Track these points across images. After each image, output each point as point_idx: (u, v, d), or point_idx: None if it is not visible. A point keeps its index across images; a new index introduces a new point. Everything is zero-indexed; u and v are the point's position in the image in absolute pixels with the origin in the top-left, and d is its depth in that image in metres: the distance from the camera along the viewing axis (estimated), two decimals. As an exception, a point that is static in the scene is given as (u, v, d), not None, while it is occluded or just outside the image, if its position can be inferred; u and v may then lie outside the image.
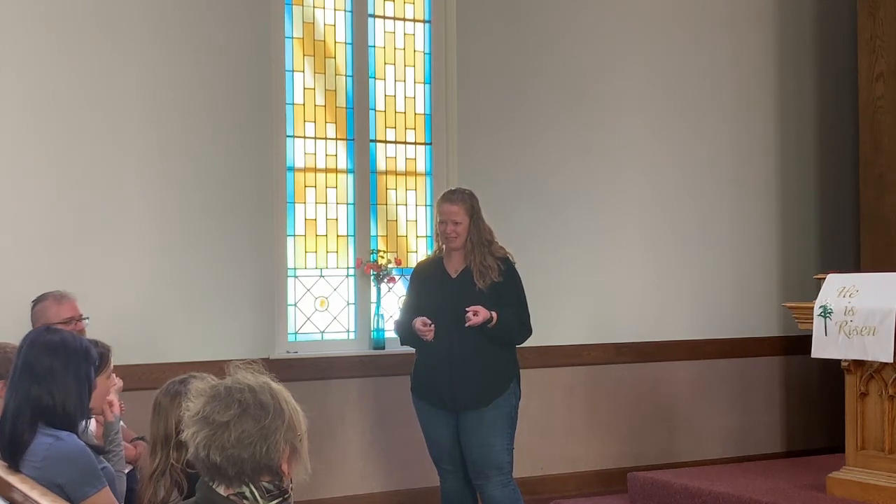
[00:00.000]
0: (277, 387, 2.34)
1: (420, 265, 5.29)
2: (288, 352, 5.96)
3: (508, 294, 4.92)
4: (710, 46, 7.25)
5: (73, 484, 3.08)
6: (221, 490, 2.26)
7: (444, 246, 5.04)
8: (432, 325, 4.88)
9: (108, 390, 3.60)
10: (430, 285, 5.05)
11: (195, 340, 5.62)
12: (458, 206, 4.95)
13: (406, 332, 5.04)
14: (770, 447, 7.30)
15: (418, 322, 4.90)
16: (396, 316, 5.42)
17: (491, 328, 4.82)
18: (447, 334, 4.89)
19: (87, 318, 4.56)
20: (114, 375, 3.70)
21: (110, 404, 3.71)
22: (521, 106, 6.60)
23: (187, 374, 3.21)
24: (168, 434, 3.13)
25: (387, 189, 6.39)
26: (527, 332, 5.01)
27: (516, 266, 5.04)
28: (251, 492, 2.24)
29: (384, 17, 6.41)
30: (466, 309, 4.79)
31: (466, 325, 4.78)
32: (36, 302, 4.60)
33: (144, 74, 5.56)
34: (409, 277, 5.39)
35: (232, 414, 2.23)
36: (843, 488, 4.93)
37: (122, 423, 3.86)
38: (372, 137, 6.32)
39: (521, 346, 5.08)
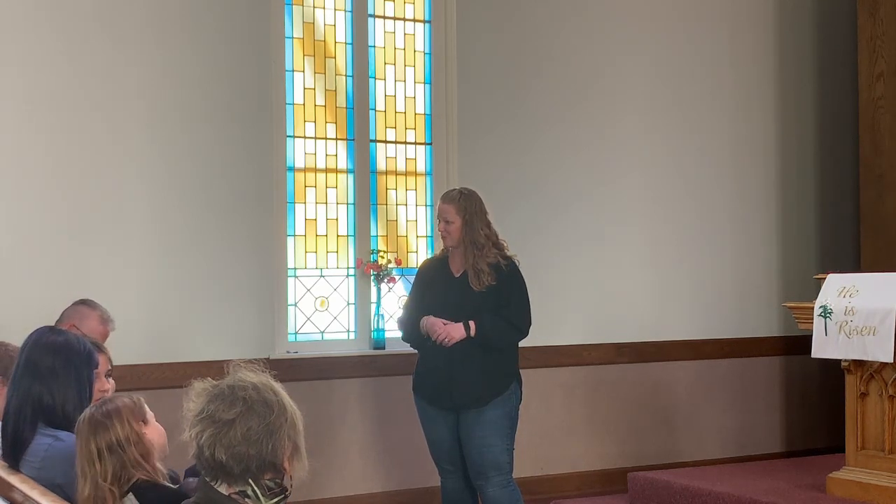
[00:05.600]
0: (276, 384, 2.35)
1: (425, 263, 5.30)
2: (288, 352, 5.96)
3: (505, 296, 4.92)
4: (710, 46, 7.25)
5: (73, 484, 3.07)
6: (223, 489, 2.26)
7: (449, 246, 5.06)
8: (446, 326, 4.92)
9: (96, 391, 3.57)
10: (433, 284, 5.06)
11: (195, 340, 5.62)
12: (449, 206, 4.95)
13: (411, 330, 5.05)
14: (770, 447, 7.31)
15: (428, 321, 4.93)
16: (400, 313, 5.42)
17: (473, 337, 4.84)
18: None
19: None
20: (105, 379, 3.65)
21: None
22: (521, 106, 6.60)
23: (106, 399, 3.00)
24: (91, 457, 2.86)
25: (387, 189, 6.39)
26: (517, 333, 4.98)
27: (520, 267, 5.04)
28: (253, 490, 2.25)
29: (384, 17, 6.41)
30: (437, 334, 4.86)
31: (446, 345, 4.84)
32: (80, 303, 4.51)
33: (145, 74, 5.57)
34: (413, 276, 5.38)
35: (237, 411, 2.24)
36: (843, 488, 4.93)
37: None
38: (372, 137, 6.32)
39: (522, 345, 5.08)
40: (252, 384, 2.29)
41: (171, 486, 2.95)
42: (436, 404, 4.98)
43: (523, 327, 4.98)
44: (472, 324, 4.85)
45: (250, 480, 2.24)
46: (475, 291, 4.89)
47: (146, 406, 2.98)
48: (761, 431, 7.33)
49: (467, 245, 4.92)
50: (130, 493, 2.88)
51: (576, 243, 6.73)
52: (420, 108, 6.48)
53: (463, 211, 4.92)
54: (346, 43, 6.28)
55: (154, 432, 2.93)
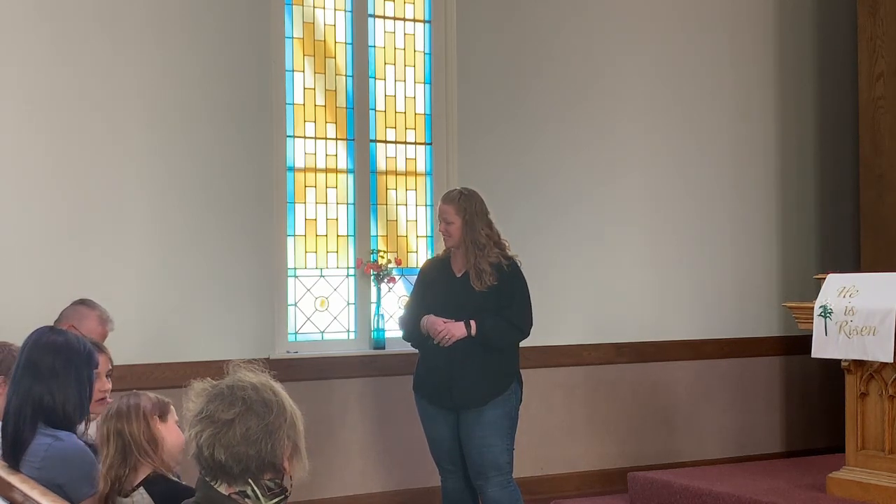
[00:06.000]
0: (277, 384, 2.35)
1: (427, 263, 5.32)
2: (288, 352, 5.96)
3: (506, 296, 4.92)
4: (710, 46, 7.25)
5: (74, 484, 3.07)
6: (223, 489, 2.26)
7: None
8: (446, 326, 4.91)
9: (97, 390, 3.57)
10: (435, 284, 5.07)
11: (195, 340, 5.62)
12: (449, 206, 4.97)
13: (413, 329, 5.05)
14: (770, 447, 7.31)
15: (428, 320, 4.93)
16: (401, 312, 5.43)
17: (474, 336, 4.85)
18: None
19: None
20: (106, 379, 3.65)
21: None
22: (522, 106, 6.60)
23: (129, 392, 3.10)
24: (102, 439, 3.01)
25: (387, 189, 6.39)
26: (517, 334, 4.98)
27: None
28: (253, 490, 2.25)
29: (384, 17, 6.41)
30: (437, 331, 4.88)
31: (445, 344, 4.85)
32: (79, 303, 4.50)
33: (144, 74, 5.56)
34: (413, 276, 5.39)
35: (236, 411, 2.24)
36: (843, 488, 4.93)
37: None
38: (372, 137, 6.32)
39: (522, 345, 5.08)
40: (251, 384, 2.29)
41: (180, 481, 2.98)
42: (436, 404, 4.99)
43: (524, 327, 4.98)
44: (472, 323, 4.86)
45: (250, 480, 2.24)
46: (476, 291, 4.89)
47: (172, 409, 3.05)
48: (761, 431, 7.33)
49: (468, 245, 4.93)
50: (141, 488, 2.91)
51: (576, 243, 6.72)
52: (420, 108, 6.48)
53: (463, 211, 4.93)
54: (346, 43, 6.27)
55: (171, 432, 3.00)
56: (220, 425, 2.23)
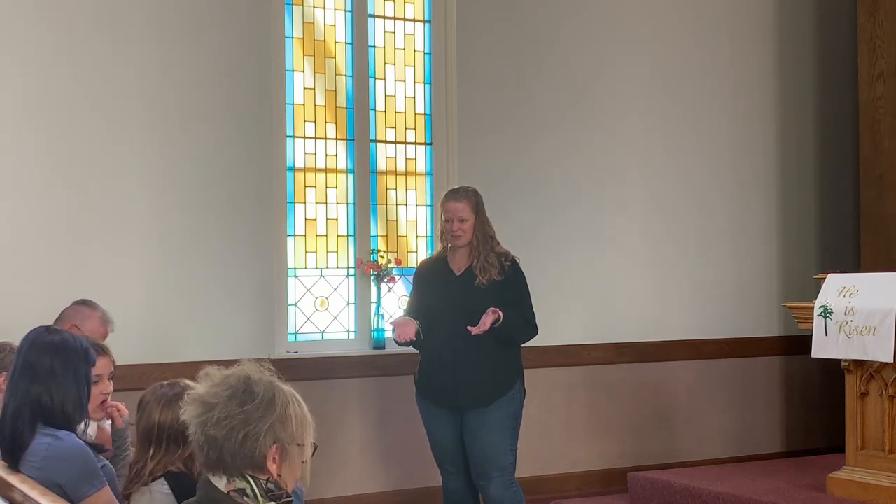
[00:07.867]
0: (284, 387, 2.34)
1: (423, 263, 5.28)
2: (288, 352, 5.96)
3: (511, 293, 4.91)
4: (710, 46, 7.25)
5: (74, 483, 3.08)
6: (222, 485, 2.26)
7: (448, 245, 5.03)
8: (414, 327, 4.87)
9: (98, 393, 3.57)
10: (433, 284, 5.04)
11: (195, 340, 5.62)
12: (463, 203, 4.95)
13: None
14: (770, 447, 7.30)
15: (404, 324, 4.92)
16: (398, 315, 5.42)
17: (498, 326, 4.78)
18: (449, 333, 4.86)
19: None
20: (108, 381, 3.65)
21: (118, 409, 3.69)
22: (522, 105, 6.60)
23: (176, 380, 3.17)
24: (151, 427, 3.11)
25: (387, 189, 6.39)
26: (532, 331, 4.98)
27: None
28: (251, 488, 2.25)
29: (384, 17, 6.41)
30: (491, 310, 4.75)
31: (472, 333, 4.74)
32: (80, 303, 4.49)
33: (144, 74, 5.56)
34: (412, 277, 5.37)
35: (222, 396, 2.27)
36: (843, 488, 4.93)
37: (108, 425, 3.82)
38: (372, 137, 6.32)
39: (522, 345, 5.08)
40: (246, 375, 2.32)
41: None
42: (439, 404, 4.96)
43: (536, 325, 4.99)
44: (501, 313, 4.77)
45: (244, 476, 2.25)
46: (477, 289, 4.87)
47: None
48: (761, 431, 7.33)
49: (479, 240, 4.93)
50: (162, 478, 2.91)
51: (576, 243, 6.72)
52: (420, 108, 6.48)
53: (475, 206, 4.96)
54: (346, 43, 6.28)
55: None
56: (205, 407, 2.26)
